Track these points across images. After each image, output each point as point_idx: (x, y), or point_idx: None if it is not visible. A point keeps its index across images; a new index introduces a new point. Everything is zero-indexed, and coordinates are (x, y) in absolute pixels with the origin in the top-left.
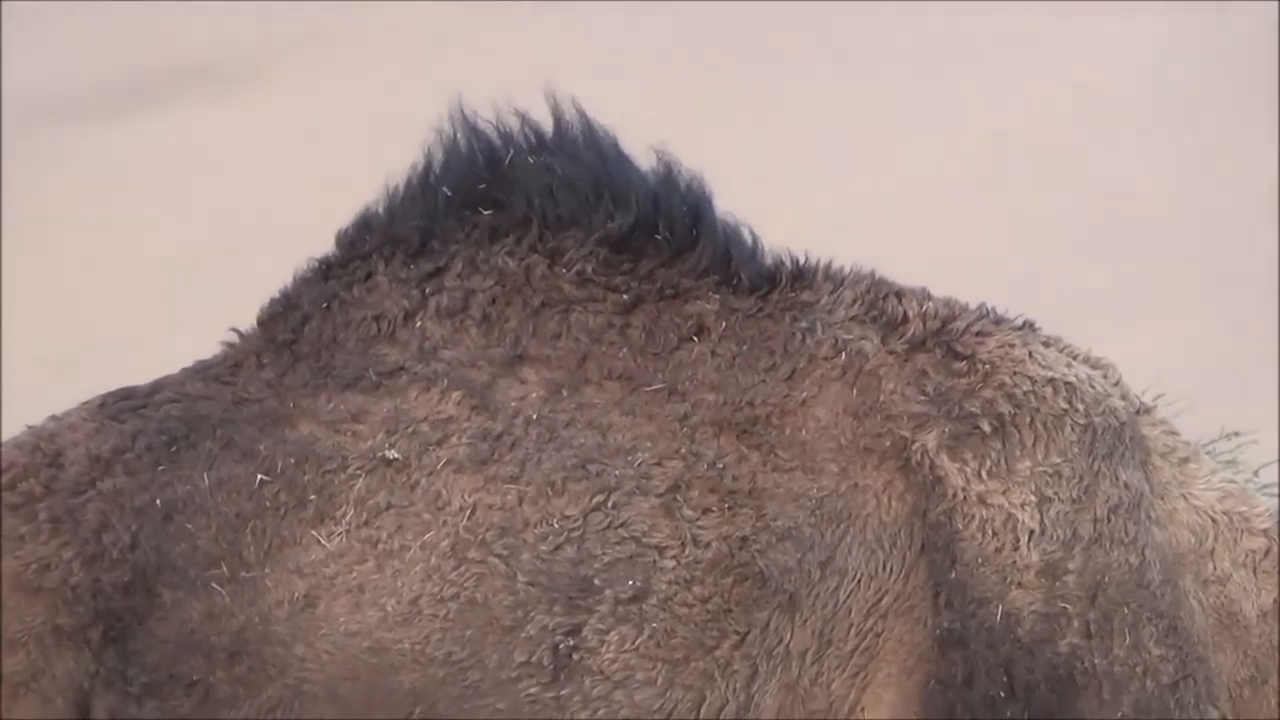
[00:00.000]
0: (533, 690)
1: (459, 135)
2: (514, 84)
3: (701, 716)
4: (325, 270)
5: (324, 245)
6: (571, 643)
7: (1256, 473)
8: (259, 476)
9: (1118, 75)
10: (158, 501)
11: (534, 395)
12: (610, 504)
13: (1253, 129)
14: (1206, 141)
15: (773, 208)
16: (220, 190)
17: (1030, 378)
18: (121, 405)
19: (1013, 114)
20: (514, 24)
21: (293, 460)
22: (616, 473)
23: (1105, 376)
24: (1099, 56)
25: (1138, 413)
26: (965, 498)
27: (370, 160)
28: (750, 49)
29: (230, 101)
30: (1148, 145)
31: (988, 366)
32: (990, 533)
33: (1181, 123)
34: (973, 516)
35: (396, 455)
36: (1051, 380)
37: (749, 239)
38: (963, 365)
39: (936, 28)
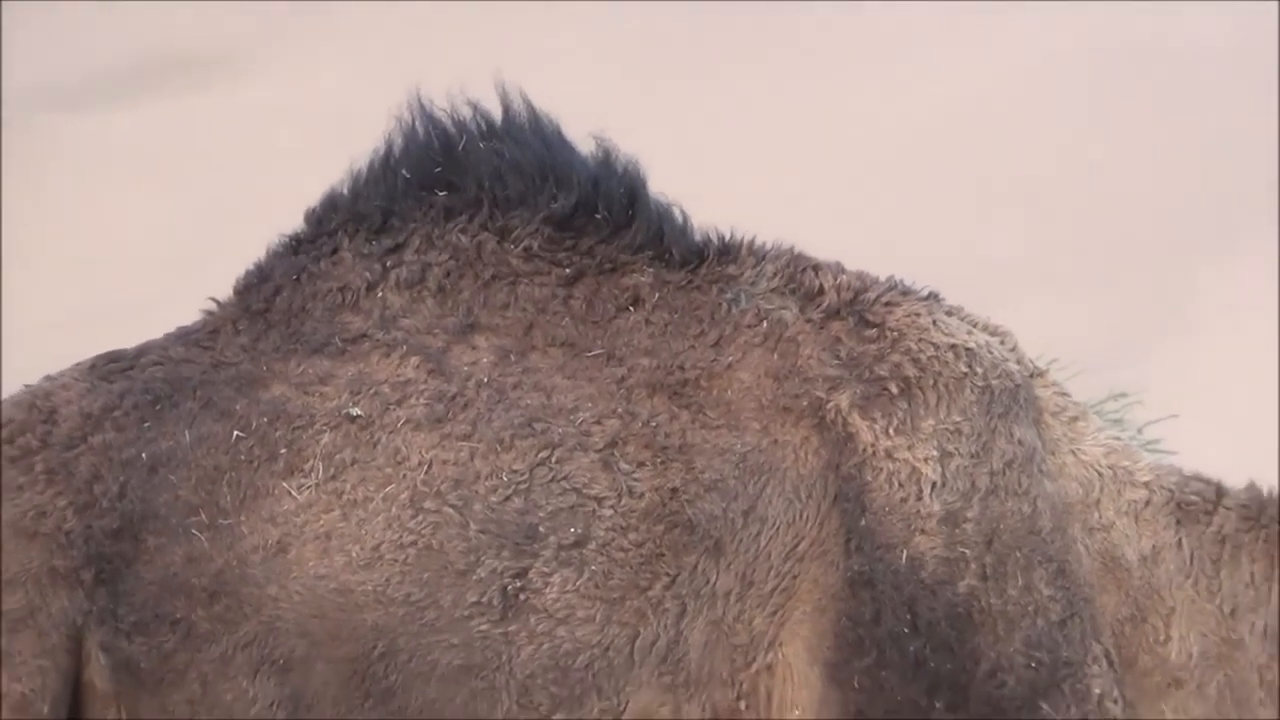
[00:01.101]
0: (483, 627)
1: (417, 123)
2: (468, 76)
3: (636, 650)
4: (295, 245)
5: (295, 224)
6: (519, 584)
7: (1140, 430)
8: (235, 433)
9: (1029, 70)
10: (143, 455)
11: (485, 360)
12: (554, 459)
13: (1148, 124)
14: (1103, 133)
15: (706, 189)
16: (204, 173)
17: (934, 344)
18: (110, 367)
19: (932, 104)
20: (469, 22)
21: (265, 418)
22: (559, 430)
23: (1002, 343)
24: (1011, 54)
25: (1031, 376)
26: (874, 452)
27: (341, 144)
28: (685, 43)
29: (213, 89)
30: (1051, 136)
31: (895, 333)
32: (896, 484)
33: (1083, 115)
34: (881, 469)
35: (360, 414)
36: (953, 346)
37: (680, 218)
38: (873, 332)
39: (864, 24)
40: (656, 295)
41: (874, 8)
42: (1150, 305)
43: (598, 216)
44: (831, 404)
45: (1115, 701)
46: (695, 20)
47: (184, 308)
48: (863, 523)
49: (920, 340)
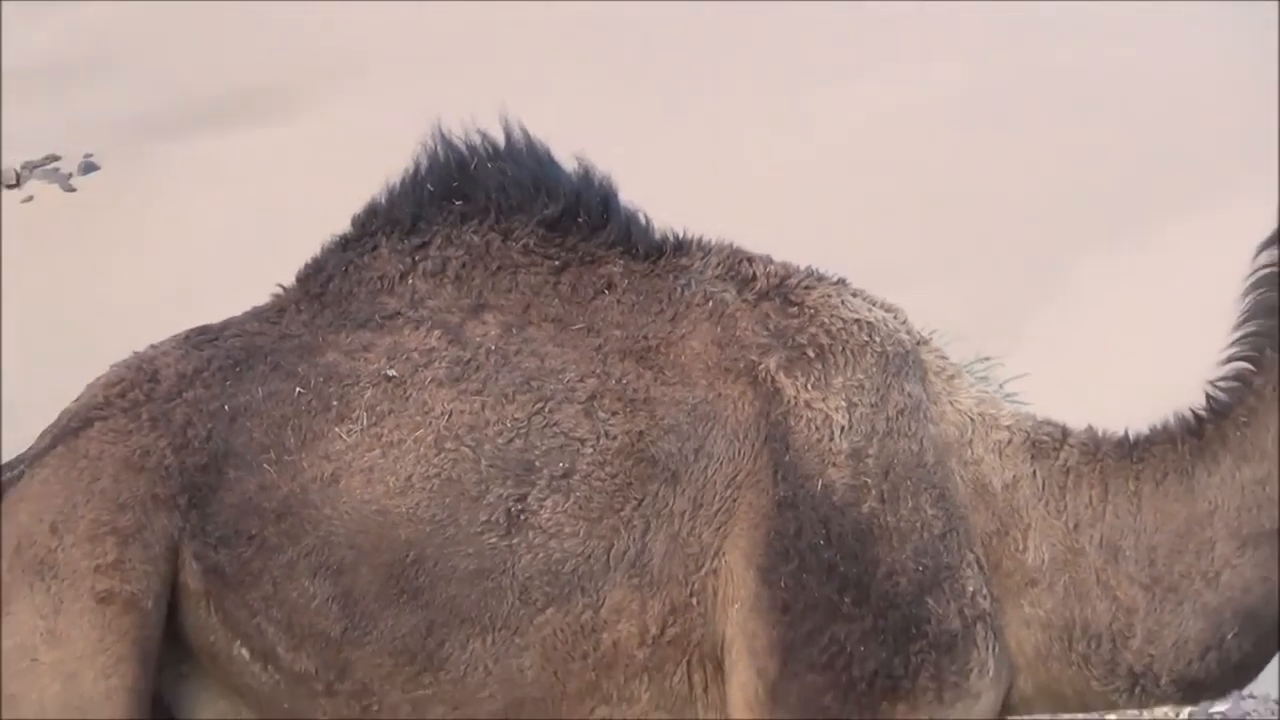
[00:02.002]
0: (492, 540)
1: (438, 147)
2: (478, 110)
3: (611, 558)
4: (344, 243)
5: (343, 227)
6: (519, 507)
7: (1001, 386)
8: (297, 389)
9: (922, 100)
10: (225, 407)
11: (492, 333)
12: (547, 409)
13: (1018, 138)
14: (980, 146)
15: (664, 198)
16: (272, 187)
17: (842, 318)
18: (200, 338)
19: (844, 132)
20: (480, 67)
21: (321, 378)
22: (551, 387)
23: (895, 317)
24: (908, 86)
25: (918, 343)
26: (796, 403)
27: (380, 165)
28: (647, 83)
29: (277, 121)
30: (937, 153)
31: (812, 310)
32: (813, 428)
33: (964, 134)
34: (801, 416)
35: (395, 374)
36: (857, 320)
37: (644, 221)
38: (795, 310)
39: (791, 68)
40: (626, 281)
41: (803, 53)
42: (1008, 289)
43: (580, 220)
44: (762, 366)
45: (984, 597)
46: (656, 63)
47: (257, 293)
48: (787, 458)
49: (832, 316)
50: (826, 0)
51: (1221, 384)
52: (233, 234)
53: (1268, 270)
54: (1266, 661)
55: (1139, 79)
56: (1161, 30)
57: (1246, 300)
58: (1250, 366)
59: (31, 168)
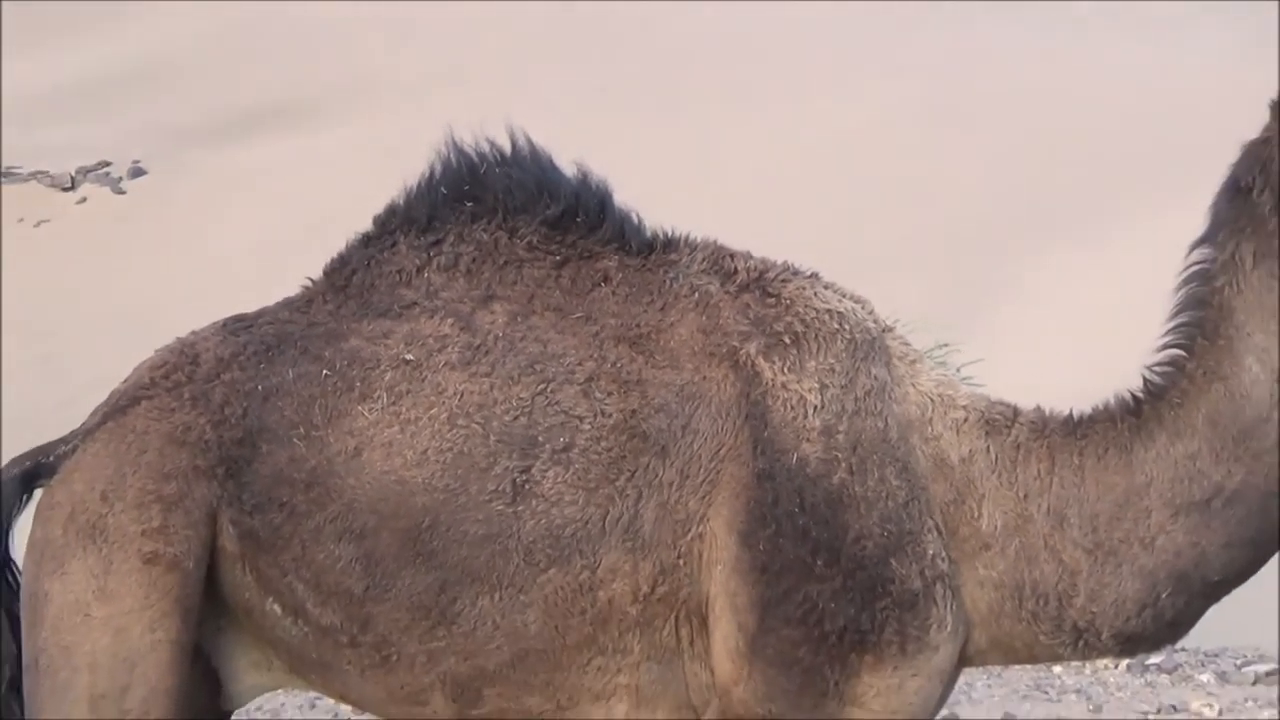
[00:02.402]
0: (499, 507)
1: (451, 154)
2: (488, 121)
3: (606, 524)
4: (366, 240)
5: (366, 226)
6: (524, 478)
7: (959, 369)
8: (324, 372)
9: (886, 111)
10: (259, 387)
11: (500, 321)
12: (549, 390)
13: (972, 144)
14: (938, 152)
15: (655, 199)
16: (303, 191)
17: (815, 308)
18: (236, 325)
19: (814, 140)
20: (489, 82)
21: (345, 361)
22: (552, 370)
23: (863, 307)
24: (874, 98)
25: (883, 331)
26: (773, 384)
27: (398, 172)
28: (636, 98)
29: (304, 131)
30: (898, 159)
31: (788, 301)
32: (789, 407)
33: (924, 141)
34: (778, 397)
35: (412, 358)
36: (829, 310)
37: (636, 220)
38: (772, 300)
39: (784, 69)
40: (620, 275)
41: (783, 71)
42: (965, 283)
43: (578, 219)
44: (743, 351)
45: (943, 560)
46: (648, 80)
47: (287, 285)
48: (765, 434)
49: (805, 306)
50: (805, 20)
51: (1157, 369)
52: (265, 232)
53: (1198, 267)
54: (1197, 618)
55: (1088, 97)
56: (1110, 51)
57: (1180, 294)
58: (1183, 353)
59: (85, 172)
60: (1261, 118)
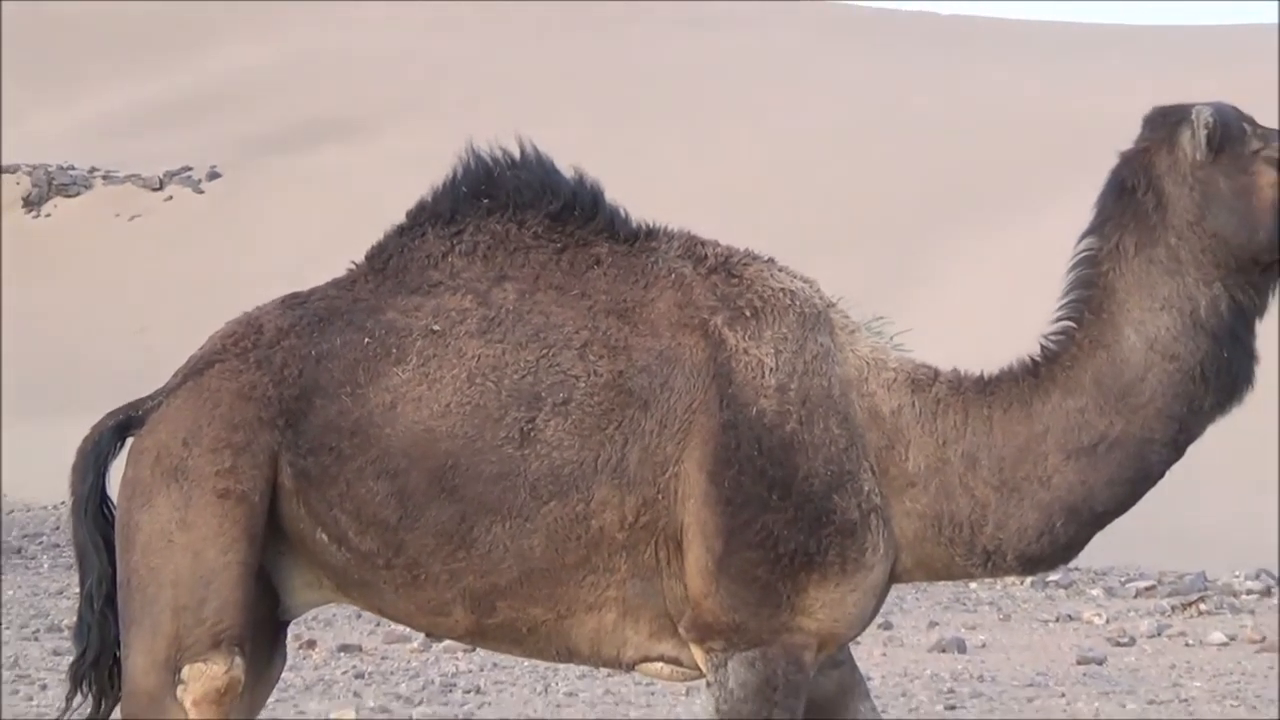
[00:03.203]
0: (510, 451)
1: (471, 159)
2: (502, 133)
3: (598, 464)
4: (400, 231)
5: (400, 219)
6: (530, 426)
7: (891, 338)
8: (365, 339)
9: (824, 120)
10: (313, 352)
11: (510, 297)
12: (551, 354)
13: (896, 145)
14: (880, 158)
15: (639, 197)
16: (345, 194)
17: (771, 287)
18: (293, 300)
19: (763, 146)
20: (503, 103)
21: (383, 331)
22: (554, 337)
23: (811, 286)
24: (827, 112)
25: (827, 306)
26: (737, 350)
27: (429, 177)
28: (626, 116)
29: (353, 142)
30: (845, 161)
31: (749, 281)
32: (750, 368)
33: (855, 140)
34: (740, 360)
35: (438, 328)
36: (782, 289)
37: (623, 214)
38: (736, 280)
39: (745, 87)
40: (610, 259)
41: (739, 93)
42: (897, 265)
43: (575, 213)
44: (712, 322)
45: (876, 495)
46: (632, 104)
47: (336, 269)
48: (730, 391)
49: (763, 285)
50: (756, 51)
51: (1052, 338)
52: (318, 225)
53: (1086, 254)
54: (1086, 543)
55: (992, 115)
56: (1009, 77)
57: (1070, 276)
58: (1074, 325)
59: (170, 175)
60: (1132, 132)
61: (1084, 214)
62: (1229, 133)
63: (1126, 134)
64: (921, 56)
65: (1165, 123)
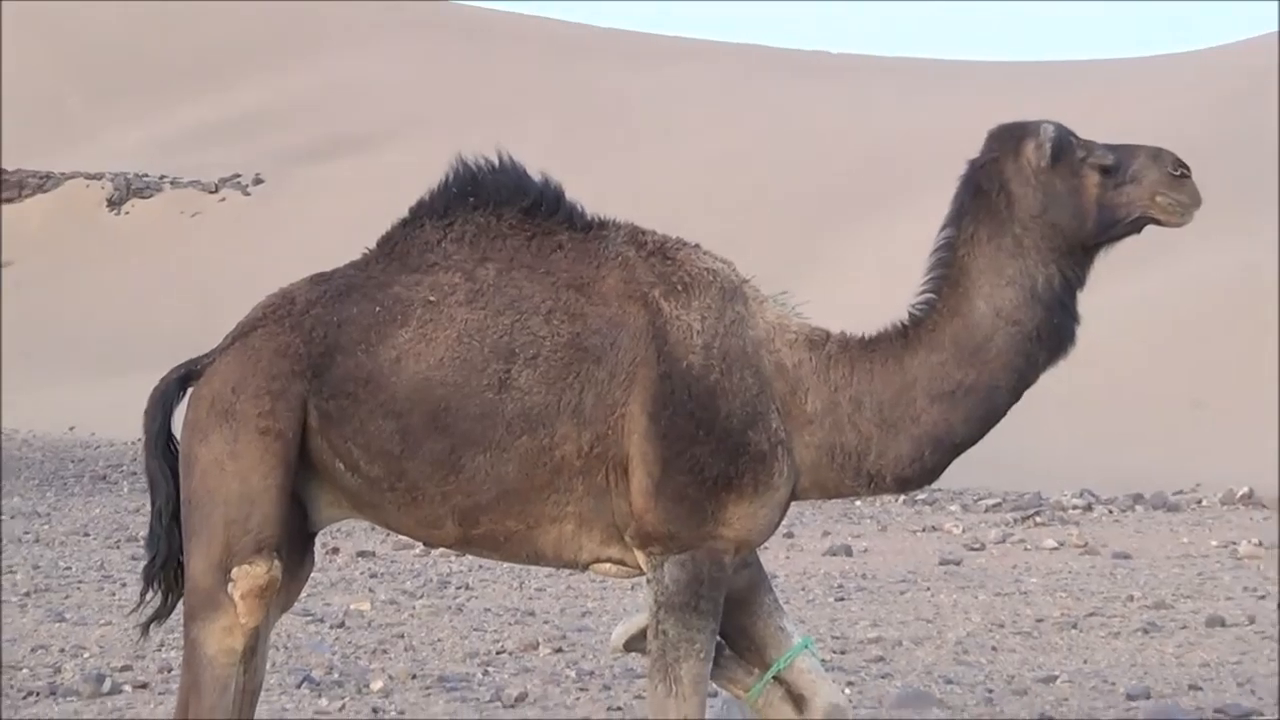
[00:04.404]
0: (490, 396)
1: (460, 166)
2: (485, 144)
3: (560, 407)
4: (404, 223)
5: (404, 215)
6: (506, 376)
7: (794, 308)
8: (376, 308)
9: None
10: (335, 319)
11: (491, 274)
12: (523, 319)
13: (796, 153)
14: (780, 167)
15: (596, 197)
16: (363, 197)
17: (698, 266)
18: (319, 278)
19: (695, 157)
20: (485, 122)
21: (390, 301)
22: (525, 306)
23: (729, 266)
24: (740, 127)
25: (743, 282)
26: (671, 316)
27: (429, 185)
28: (583, 133)
29: (371, 155)
30: (751, 169)
31: (681, 262)
32: (681, 331)
33: (774, 155)
34: (674, 324)
35: (434, 299)
36: (707, 268)
37: (580, 209)
38: (670, 262)
39: (669, 111)
40: (570, 244)
41: (658, 117)
42: (800, 247)
43: (542, 208)
44: (651, 294)
45: (781, 431)
46: (586, 125)
47: (355, 255)
48: (665, 348)
49: (692, 265)
50: (677, 80)
51: (918, 307)
52: (341, 222)
53: (945, 241)
54: (946, 468)
55: (871, 132)
56: (883, 101)
57: (933, 258)
58: (935, 297)
59: (224, 181)
60: (974, 147)
61: (940, 211)
62: (1063, 144)
63: (970, 148)
64: (817, 87)
65: (1011, 136)
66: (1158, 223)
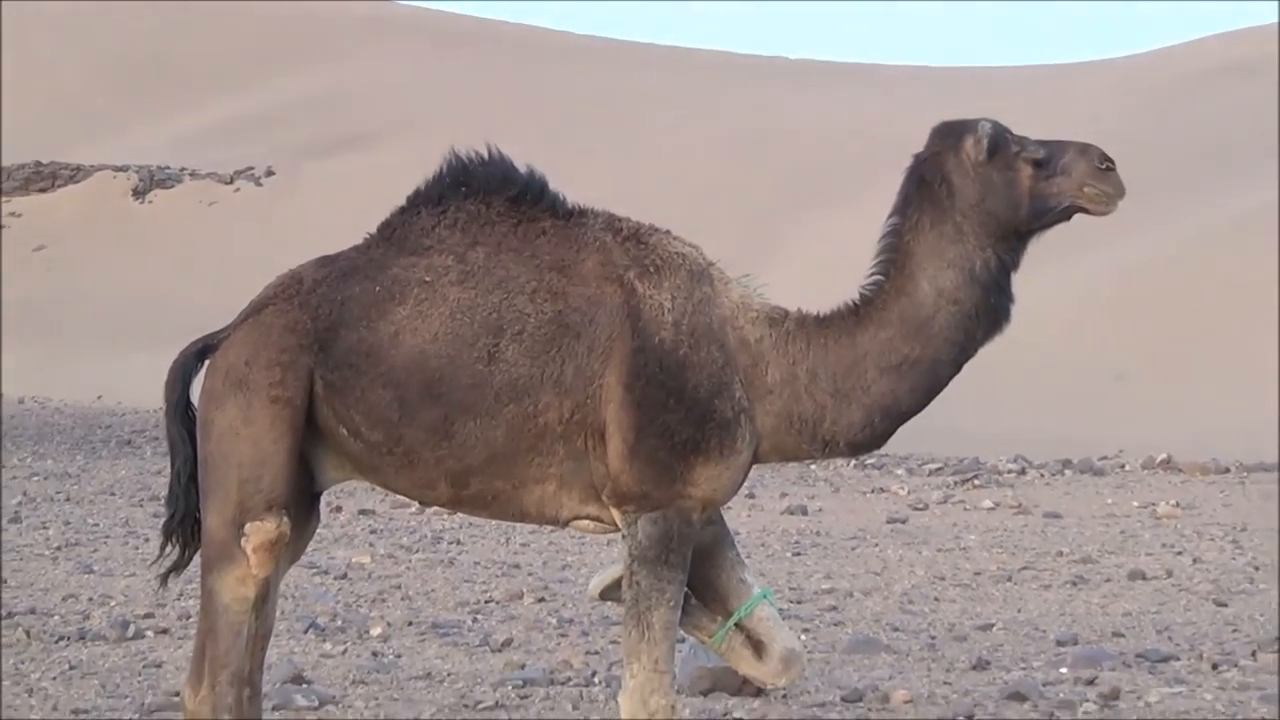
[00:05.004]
0: (479, 367)
1: (452, 158)
2: (475, 139)
3: (543, 378)
4: (402, 210)
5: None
6: (495, 350)
7: (755, 289)
8: (376, 288)
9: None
10: (339, 297)
11: (481, 257)
12: (510, 298)
13: (759, 148)
14: (740, 162)
15: (575, 187)
16: (365, 190)
17: (669, 250)
18: (325, 260)
19: (668, 149)
20: (476, 120)
21: (389, 281)
22: (512, 286)
23: (697, 250)
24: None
25: (709, 265)
26: (644, 296)
27: (425, 176)
28: (565, 129)
29: (373, 151)
30: (713, 160)
31: (653, 246)
32: (653, 309)
33: (731, 150)
34: (647, 303)
35: (429, 279)
36: (678, 252)
37: (562, 198)
38: (643, 246)
39: (638, 113)
40: (552, 230)
41: (627, 117)
42: (753, 239)
43: (528, 197)
44: (626, 275)
45: (744, 401)
46: (568, 121)
47: (358, 240)
48: (639, 325)
49: (663, 249)
50: (645, 85)
51: (867, 287)
52: (345, 211)
53: (892, 228)
54: (893, 434)
55: (825, 131)
56: (841, 101)
57: (881, 244)
58: (883, 278)
59: (239, 173)
60: (917, 144)
61: (884, 202)
62: (999, 140)
63: (913, 146)
64: (774, 89)
65: (952, 133)
66: (1085, 211)
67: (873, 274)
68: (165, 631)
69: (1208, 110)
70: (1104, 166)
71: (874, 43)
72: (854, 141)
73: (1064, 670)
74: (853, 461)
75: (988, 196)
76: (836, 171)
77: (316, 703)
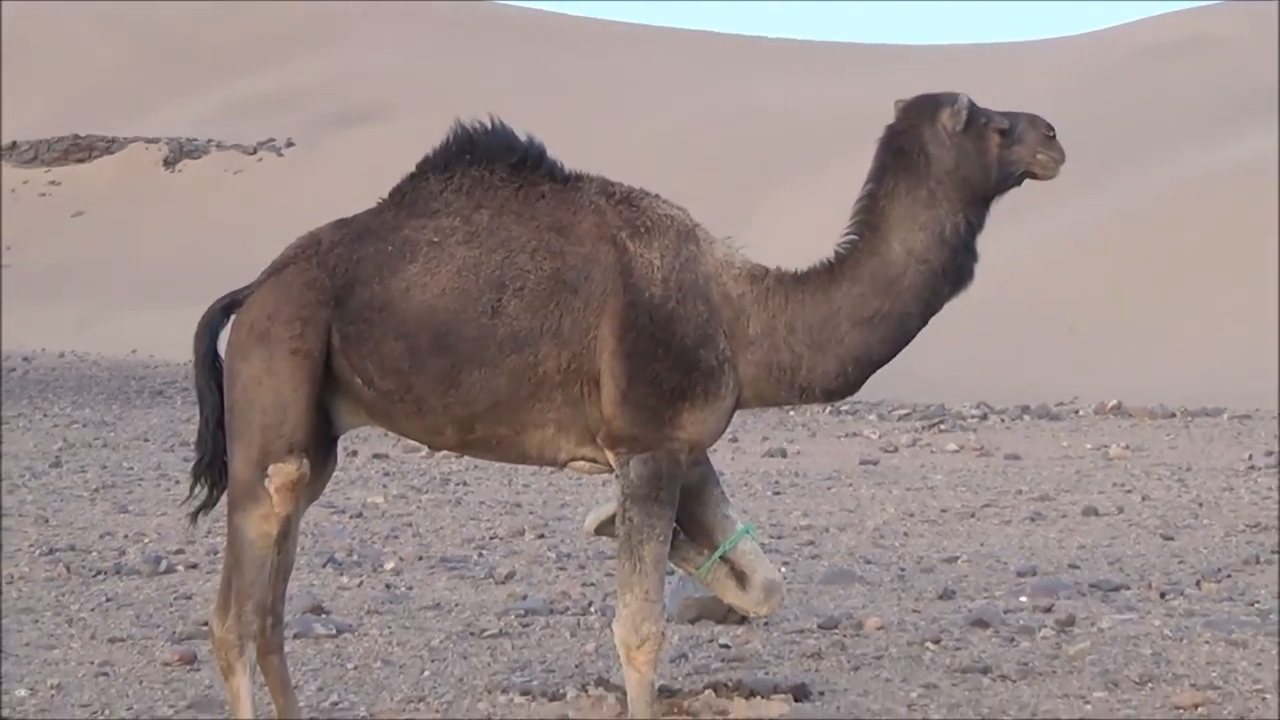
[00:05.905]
0: (484, 321)
1: (458, 128)
2: (479, 112)
3: (542, 330)
4: (412, 177)
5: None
6: (498, 305)
7: (737, 249)
8: (389, 248)
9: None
10: (355, 256)
11: (485, 218)
12: (512, 256)
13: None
14: (721, 139)
15: (570, 155)
16: (377, 158)
17: (659, 213)
18: (341, 223)
19: (648, 129)
20: (479, 95)
21: (400, 242)
22: (514, 245)
23: (684, 213)
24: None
25: (695, 226)
26: (635, 254)
27: (432, 145)
28: (561, 108)
29: (386, 122)
30: (696, 140)
31: (644, 208)
32: (644, 266)
33: (710, 129)
34: (638, 261)
35: (437, 240)
36: (666, 214)
37: (560, 164)
38: (635, 209)
39: (625, 97)
40: (551, 194)
41: (615, 102)
42: (733, 206)
43: (527, 164)
44: (619, 235)
45: (728, 351)
46: (562, 103)
47: (372, 204)
48: (631, 281)
49: (653, 211)
50: (631, 72)
51: (843, 245)
52: (361, 178)
53: (868, 191)
54: (865, 382)
55: (797, 109)
56: (806, 81)
57: (857, 207)
58: (858, 238)
59: (261, 145)
60: (885, 118)
61: (853, 172)
62: (974, 112)
63: (881, 121)
64: (754, 69)
65: (929, 105)
66: (1035, 176)
67: (848, 234)
68: (195, 566)
69: (1139, 87)
70: (1050, 134)
71: (847, 24)
72: (824, 118)
73: (1023, 599)
74: (828, 408)
75: (961, 164)
76: (808, 146)
77: (334, 631)
